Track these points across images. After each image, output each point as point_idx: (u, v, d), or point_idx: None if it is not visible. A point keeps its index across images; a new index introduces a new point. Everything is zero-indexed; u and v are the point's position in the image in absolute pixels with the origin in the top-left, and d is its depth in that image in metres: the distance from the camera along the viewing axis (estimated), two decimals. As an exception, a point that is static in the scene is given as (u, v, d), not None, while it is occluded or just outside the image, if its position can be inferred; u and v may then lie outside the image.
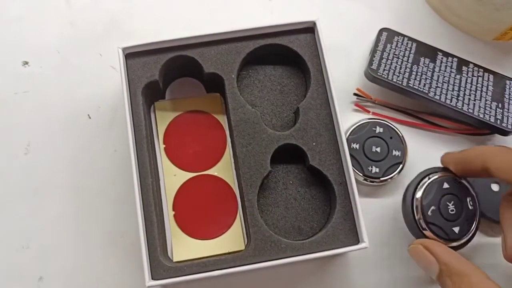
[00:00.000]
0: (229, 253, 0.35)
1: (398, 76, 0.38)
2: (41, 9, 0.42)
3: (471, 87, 0.39)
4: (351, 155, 0.37)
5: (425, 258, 0.30)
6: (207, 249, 0.36)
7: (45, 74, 0.40)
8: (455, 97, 0.38)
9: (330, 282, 0.37)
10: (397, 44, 0.40)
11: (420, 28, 0.43)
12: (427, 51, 0.40)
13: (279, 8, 0.43)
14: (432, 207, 0.33)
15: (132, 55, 0.35)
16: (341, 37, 0.42)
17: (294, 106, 0.37)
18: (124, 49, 0.35)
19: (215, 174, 0.38)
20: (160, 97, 0.39)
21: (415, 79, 0.38)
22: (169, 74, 0.37)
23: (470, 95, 0.39)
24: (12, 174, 0.38)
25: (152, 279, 0.31)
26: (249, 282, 0.36)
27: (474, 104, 0.38)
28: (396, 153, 0.37)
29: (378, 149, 0.37)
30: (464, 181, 0.35)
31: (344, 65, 0.41)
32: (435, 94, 0.38)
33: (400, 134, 0.37)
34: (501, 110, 0.38)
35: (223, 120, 0.39)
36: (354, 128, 0.38)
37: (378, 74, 0.38)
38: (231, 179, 0.37)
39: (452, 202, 0.34)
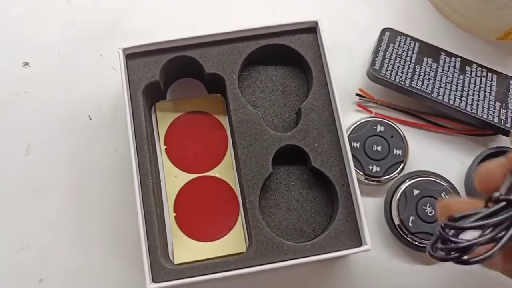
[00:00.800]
0: (230, 255, 0.35)
1: (401, 76, 0.38)
2: (41, 9, 0.42)
3: (474, 87, 0.39)
4: (352, 154, 0.36)
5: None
6: (209, 251, 0.35)
7: (46, 74, 0.40)
8: (458, 97, 0.38)
9: (332, 284, 0.36)
10: (399, 44, 0.40)
11: (423, 27, 0.42)
12: (430, 51, 0.40)
13: (281, 8, 0.43)
14: (411, 218, 0.34)
15: (132, 56, 0.35)
16: (344, 37, 0.42)
17: (296, 107, 0.36)
18: (124, 50, 0.35)
19: (216, 175, 0.37)
20: (161, 97, 0.38)
21: (418, 79, 0.38)
22: (170, 75, 0.37)
23: (473, 95, 0.38)
24: (13, 175, 0.38)
25: (153, 281, 0.31)
26: (251, 285, 0.36)
27: (477, 104, 0.38)
28: (397, 152, 0.37)
29: (379, 148, 0.37)
30: (433, 178, 0.36)
31: (346, 65, 0.41)
32: (438, 95, 0.38)
33: (401, 133, 0.37)
34: (504, 111, 0.38)
35: (224, 121, 0.38)
36: (355, 127, 0.37)
37: (381, 74, 0.38)
38: (232, 181, 0.37)
39: (428, 204, 0.35)
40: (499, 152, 0.38)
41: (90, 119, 0.39)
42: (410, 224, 0.35)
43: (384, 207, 0.37)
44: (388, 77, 0.38)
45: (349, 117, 0.39)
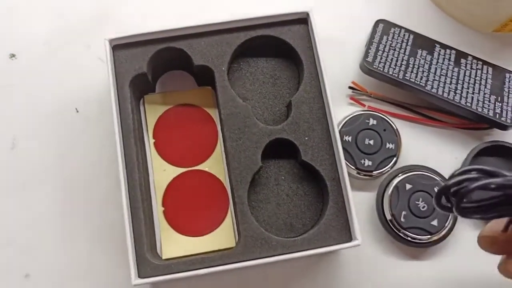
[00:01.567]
0: (219, 250, 0.34)
1: (394, 69, 0.37)
2: (29, 1, 0.41)
3: (469, 80, 0.38)
4: (343, 148, 0.36)
5: None
6: (198, 246, 0.35)
7: (32, 66, 0.39)
8: (453, 90, 0.37)
9: (323, 279, 0.36)
10: (393, 36, 0.39)
11: (418, 19, 0.41)
12: (425, 43, 0.39)
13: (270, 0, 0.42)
14: (403, 213, 0.34)
15: (119, 47, 0.34)
16: (337, 29, 0.41)
17: (287, 100, 0.36)
18: (111, 41, 0.34)
19: (206, 169, 0.37)
20: (150, 90, 0.38)
21: (411, 71, 0.37)
22: (159, 67, 0.36)
23: (468, 88, 0.37)
24: (-2, 169, 0.37)
25: (139, 277, 0.31)
26: (241, 280, 0.36)
27: (472, 97, 0.37)
28: (389, 146, 0.36)
29: (371, 142, 0.36)
30: (426, 173, 0.35)
31: (339, 58, 0.40)
32: (432, 87, 0.37)
33: (394, 127, 0.36)
34: (500, 104, 0.37)
35: (214, 114, 0.38)
36: (347, 120, 0.37)
37: (374, 66, 0.37)
38: (222, 175, 0.36)
39: (421, 199, 0.35)
40: (494, 147, 0.37)
41: (77, 111, 0.38)
42: (402, 219, 0.35)
43: (376, 202, 0.36)
44: (381, 69, 0.37)
45: (341, 111, 0.39)
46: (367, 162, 0.36)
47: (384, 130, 0.36)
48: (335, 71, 0.40)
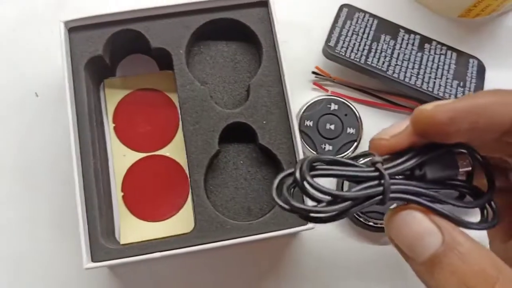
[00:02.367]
0: (178, 235, 0.34)
1: (356, 54, 0.37)
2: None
3: (432, 65, 0.38)
4: (304, 133, 0.36)
5: (420, 226, 0.19)
6: (157, 231, 0.35)
7: (-8, 50, 0.39)
8: (415, 75, 0.37)
9: (284, 264, 0.36)
10: (357, 20, 0.39)
11: (385, 5, 0.41)
12: (389, 28, 0.39)
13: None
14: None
15: (75, 29, 0.34)
16: (303, 13, 0.41)
17: (247, 83, 0.35)
18: (66, 23, 0.33)
19: (167, 154, 0.37)
20: (110, 74, 0.37)
21: (374, 56, 0.37)
22: (118, 50, 0.36)
23: (430, 73, 0.37)
24: (-43, 154, 0.37)
25: (92, 261, 0.30)
26: (200, 264, 0.35)
27: (434, 82, 0.37)
28: (350, 130, 0.36)
29: (332, 127, 0.36)
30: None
31: (304, 42, 0.40)
32: (393, 72, 0.37)
33: (356, 112, 0.36)
34: (462, 89, 0.37)
35: (176, 98, 0.37)
36: (309, 105, 0.36)
37: (336, 51, 0.37)
38: (183, 160, 0.36)
39: None
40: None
41: (37, 96, 0.38)
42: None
43: (336, 187, 0.36)
44: (343, 54, 0.37)
45: (305, 95, 0.38)
46: (328, 147, 0.36)
47: (345, 115, 0.36)
48: (300, 55, 0.40)
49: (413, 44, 0.38)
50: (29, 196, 0.36)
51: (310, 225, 0.31)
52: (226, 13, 0.35)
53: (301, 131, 0.36)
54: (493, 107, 0.19)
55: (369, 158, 0.20)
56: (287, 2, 0.40)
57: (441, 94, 0.36)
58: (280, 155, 0.32)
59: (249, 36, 0.35)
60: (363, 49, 0.37)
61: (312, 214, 0.19)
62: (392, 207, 0.21)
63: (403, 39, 0.38)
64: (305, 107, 0.37)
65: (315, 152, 0.36)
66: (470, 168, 0.21)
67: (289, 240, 0.36)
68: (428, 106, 0.19)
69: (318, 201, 0.19)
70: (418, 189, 0.20)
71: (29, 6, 0.40)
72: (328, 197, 0.19)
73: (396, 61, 0.37)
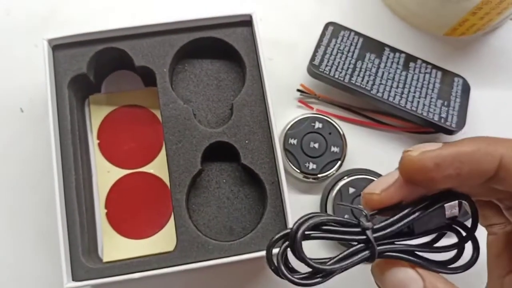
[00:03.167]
0: (160, 253, 0.34)
1: (341, 72, 0.37)
2: (-24, -3, 0.40)
3: (416, 84, 0.38)
4: (288, 151, 0.36)
5: (405, 274, 0.21)
6: (140, 249, 0.35)
7: (-23, 65, 0.39)
8: (399, 94, 0.37)
9: (267, 282, 0.36)
10: (342, 39, 0.39)
11: (370, 23, 0.41)
12: (374, 47, 0.39)
13: (223, 0, 0.42)
14: (346, 216, 0.34)
15: (60, 47, 0.34)
16: (289, 31, 0.41)
17: (231, 102, 0.36)
18: (50, 41, 0.33)
19: (151, 171, 0.37)
20: (94, 90, 0.37)
21: (358, 75, 0.37)
22: (103, 67, 0.36)
23: (415, 92, 0.37)
24: None
25: (73, 280, 0.30)
26: (183, 284, 0.35)
27: (418, 102, 0.37)
28: (334, 149, 0.36)
29: (316, 145, 0.36)
30: (369, 176, 0.35)
31: (290, 60, 0.40)
32: (377, 91, 0.37)
33: (340, 130, 0.36)
34: (446, 108, 0.37)
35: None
36: (293, 123, 0.37)
37: (320, 70, 0.37)
38: (167, 177, 0.36)
39: None
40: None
41: (22, 111, 0.38)
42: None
43: (320, 205, 0.36)
44: (327, 73, 0.37)
45: (290, 113, 0.39)
46: (312, 165, 0.36)
47: (330, 133, 0.36)
48: (285, 73, 0.40)
49: (398, 63, 0.39)
50: (10, 212, 0.36)
51: (290, 246, 0.31)
52: (210, 32, 0.35)
53: (285, 149, 0.36)
54: (477, 156, 0.19)
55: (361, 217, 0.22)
56: (273, 20, 0.41)
57: (425, 114, 0.37)
58: (263, 174, 0.33)
59: (233, 55, 0.35)
60: (348, 68, 0.37)
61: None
62: None
63: (388, 57, 0.39)
64: (289, 125, 0.37)
65: (298, 171, 0.36)
66: (456, 215, 0.22)
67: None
68: (414, 152, 0.20)
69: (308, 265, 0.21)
70: (403, 247, 0.22)
71: (13, 21, 0.40)
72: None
73: (381, 80, 0.37)
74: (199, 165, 0.33)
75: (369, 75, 0.37)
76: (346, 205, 0.31)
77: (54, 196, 0.31)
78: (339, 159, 0.36)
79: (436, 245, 0.23)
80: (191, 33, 0.34)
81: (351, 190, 0.35)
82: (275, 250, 0.21)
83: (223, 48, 0.35)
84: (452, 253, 0.22)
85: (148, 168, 0.37)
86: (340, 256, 0.21)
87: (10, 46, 0.39)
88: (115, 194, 0.36)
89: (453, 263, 0.22)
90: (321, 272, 0.21)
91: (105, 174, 0.36)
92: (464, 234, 0.22)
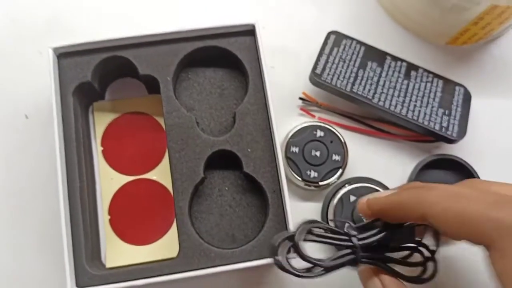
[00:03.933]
0: (163, 260, 0.34)
1: (342, 81, 0.37)
2: (-19, 4, 0.41)
3: (418, 93, 0.38)
4: (290, 159, 0.36)
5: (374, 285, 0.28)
6: (142, 255, 0.35)
7: (-17, 71, 0.39)
8: (400, 103, 0.37)
9: (268, 289, 0.36)
10: (344, 47, 0.39)
11: (372, 32, 0.42)
12: (376, 55, 0.39)
13: (226, 9, 0.42)
14: (346, 224, 0.34)
15: (65, 55, 0.34)
16: (292, 40, 0.42)
17: (234, 110, 0.36)
18: (55, 49, 0.34)
19: (154, 178, 0.37)
20: (98, 97, 0.38)
21: (359, 84, 0.38)
22: (106, 75, 0.36)
23: (416, 101, 0.38)
24: None
25: (77, 286, 0.31)
26: (184, 289, 0.36)
27: (419, 111, 0.37)
28: (336, 157, 0.36)
29: (318, 153, 0.36)
30: (371, 184, 0.36)
31: (293, 69, 0.41)
32: (379, 100, 0.37)
33: (342, 138, 0.37)
34: (447, 117, 0.38)
35: (163, 122, 0.38)
36: (295, 132, 0.37)
37: (322, 78, 0.37)
38: (170, 184, 0.36)
39: None
40: (441, 160, 0.37)
41: (27, 118, 0.38)
42: (345, 231, 0.35)
43: (321, 213, 0.36)
44: (329, 81, 0.37)
45: (292, 121, 0.39)
46: (313, 173, 0.36)
47: (331, 141, 0.37)
48: (288, 81, 0.40)
49: (399, 72, 0.39)
50: (14, 219, 0.37)
51: (291, 254, 0.31)
52: (214, 41, 0.35)
53: (287, 157, 0.36)
54: (408, 205, 0.25)
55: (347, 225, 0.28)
56: (275, 28, 0.41)
57: (426, 123, 0.37)
58: (265, 183, 0.33)
59: (236, 63, 0.36)
60: (349, 77, 0.38)
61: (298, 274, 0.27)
62: None
63: (389, 66, 0.39)
64: (291, 133, 0.37)
65: (300, 179, 0.36)
66: (421, 238, 0.28)
67: (272, 266, 0.36)
68: (364, 199, 0.29)
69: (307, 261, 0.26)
70: (379, 256, 0.28)
71: (18, 29, 0.40)
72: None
73: (382, 89, 0.38)
74: (201, 173, 0.33)
75: (371, 84, 0.38)
76: (337, 220, 0.35)
77: (59, 202, 0.31)
78: (340, 167, 0.36)
79: (411, 260, 0.28)
80: (194, 42, 0.35)
81: (352, 198, 0.35)
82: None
83: (226, 57, 0.36)
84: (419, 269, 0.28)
85: (151, 175, 0.37)
86: (333, 257, 0.27)
87: (14, 53, 0.40)
88: (118, 200, 0.36)
89: (420, 277, 0.28)
90: (318, 266, 0.27)
91: (108, 181, 0.37)
92: (427, 254, 0.28)
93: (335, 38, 0.39)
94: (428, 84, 0.39)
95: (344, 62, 0.38)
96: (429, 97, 0.38)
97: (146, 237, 0.36)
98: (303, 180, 0.36)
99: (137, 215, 0.36)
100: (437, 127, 0.37)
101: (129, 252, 0.35)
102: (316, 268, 0.27)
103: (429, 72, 0.39)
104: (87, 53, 0.34)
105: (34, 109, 0.38)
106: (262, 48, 0.34)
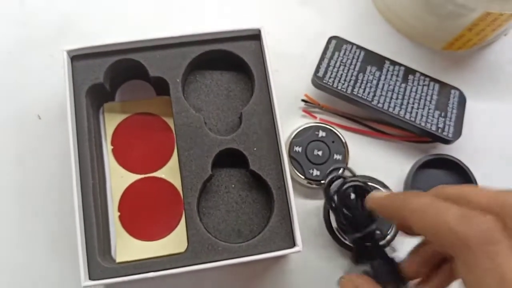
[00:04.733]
0: (171, 255, 0.35)
1: (343, 84, 0.39)
2: (-6, 9, 0.42)
3: (415, 95, 0.40)
4: (293, 158, 0.38)
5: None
6: (151, 251, 0.36)
7: (-4, 73, 0.41)
8: (398, 105, 0.39)
9: (273, 283, 0.37)
10: (345, 52, 0.41)
11: (372, 37, 0.43)
12: (375, 60, 0.41)
13: (233, 14, 0.44)
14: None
15: (78, 58, 0.36)
16: (295, 45, 0.43)
17: (240, 111, 0.37)
18: (69, 52, 0.35)
19: (162, 176, 0.38)
20: (109, 98, 0.39)
21: (359, 87, 0.39)
22: (118, 77, 0.38)
23: (413, 103, 0.39)
24: (-41, 173, 0.38)
25: (90, 279, 0.32)
26: (192, 284, 0.37)
27: (416, 112, 0.39)
28: (337, 157, 0.38)
29: (320, 153, 0.38)
30: (370, 183, 0.38)
31: (296, 72, 0.42)
32: (378, 102, 0.39)
33: (343, 139, 0.38)
34: (443, 119, 0.39)
35: (172, 123, 0.39)
36: (298, 132, 0.38)
37: (324, 81, 0.39)
38: (178, 182, 0.38)
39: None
40: (437, 159, 0.39)
41: (40, 118, 0.40)
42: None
43: (323, 210, 0.38)
44: (331, 84, 0.39)
45: (295, 122, 0.41)
46: (316, 172, 0.38)
47: (333, 141, 0.38)
48: (291, 83, 0.42)
49: (397, 75, 0.41)
50: (29, 215, 0.38)
51: (296, 248, 0.32)
52: (221, 45, 0.37)
53: (290, 157, 0.38)
54: (393, 208, 0.27)
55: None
56: (279, 34, 0.43)
57: (423, 124, 0.39)
58: (270, 180, 0.34)
59: (242, 66, 0.37)
60: (350, 80, 0.39)
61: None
62: None
63: (388, 70, 0.41)
64: (294, 133, 0.39)
65: (303, 177, 0.38)
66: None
67: (277, 262, 0.38)
68: (370, 195, 0.30)
69: None
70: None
71: (29, 32, 0.42)
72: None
73: (381, 92, 0.39)
74: (209, 171, 0.34)
75: (370, 87, 0.39)
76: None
77: (73, 199, 0.32)
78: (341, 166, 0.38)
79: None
80: (202, 46, 0.36)
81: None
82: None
83: (233, 60, 0.37)
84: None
85: (159, 173, 0.38)
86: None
87: (27, 56, 0.41)
88: (128, 197, 0.38)
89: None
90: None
91: (118, 179, 0.38)
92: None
93: (336, 43, 0.41)
94: (425, 87, 0.41)
95: (345, 66, 0.40)
96: (426, 99, 0.40)
97: (155, 233, 0.37)
98: (306, 178, 0.38)
99: (146, 212, 0.37)
100: (433, 128, 0.39)
101: (138, 248, 0.36)
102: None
103: (426, 76, 0.41)
104: (100, 55, 0.35)
105: (46, 109, 0.40)
106: (267, 52, 0.36)
